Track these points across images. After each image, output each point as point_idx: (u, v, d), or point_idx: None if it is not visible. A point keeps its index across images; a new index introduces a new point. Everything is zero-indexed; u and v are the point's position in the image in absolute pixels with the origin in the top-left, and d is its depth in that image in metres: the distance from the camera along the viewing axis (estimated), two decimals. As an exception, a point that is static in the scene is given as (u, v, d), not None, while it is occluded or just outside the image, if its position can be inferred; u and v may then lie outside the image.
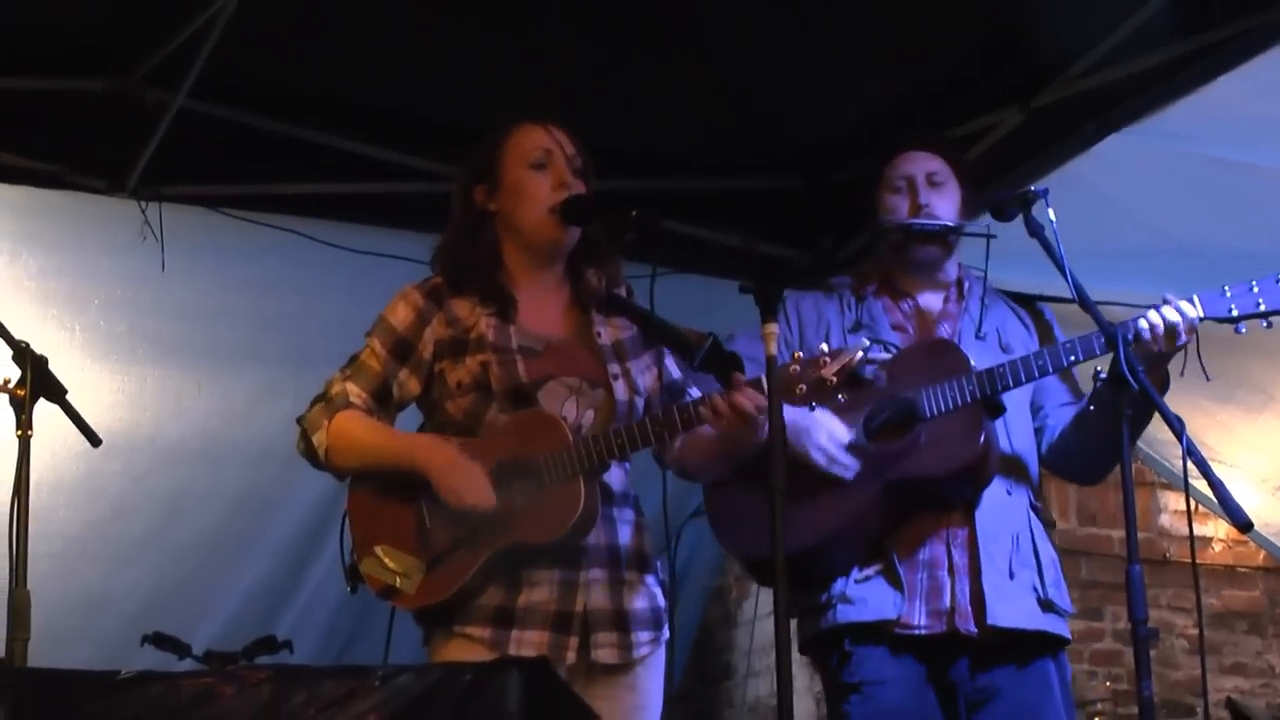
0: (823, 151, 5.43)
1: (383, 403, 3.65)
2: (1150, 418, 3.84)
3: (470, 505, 3.46)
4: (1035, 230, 3.78)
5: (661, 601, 3.69)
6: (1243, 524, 3.59)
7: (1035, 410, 4.09)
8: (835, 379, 3.39)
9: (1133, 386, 3.62)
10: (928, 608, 3.89)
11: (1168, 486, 7.78)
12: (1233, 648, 8.02)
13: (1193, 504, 3.86)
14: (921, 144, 4.18)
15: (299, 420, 3.65)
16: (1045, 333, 4.14)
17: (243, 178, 5.09)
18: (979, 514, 3.91)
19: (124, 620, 5.44)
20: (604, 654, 3.55)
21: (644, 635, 3.62)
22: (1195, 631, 7.76)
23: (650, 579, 3.67)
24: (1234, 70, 4.43)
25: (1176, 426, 3.61)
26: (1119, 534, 7.31)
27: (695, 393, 3.70)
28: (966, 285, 4.15)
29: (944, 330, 4.09)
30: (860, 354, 3.39)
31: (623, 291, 3.77)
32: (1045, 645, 3.97)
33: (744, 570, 4.49)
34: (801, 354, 3.45)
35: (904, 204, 4.09)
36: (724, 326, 4.03)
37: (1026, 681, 3.92)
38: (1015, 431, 4.00)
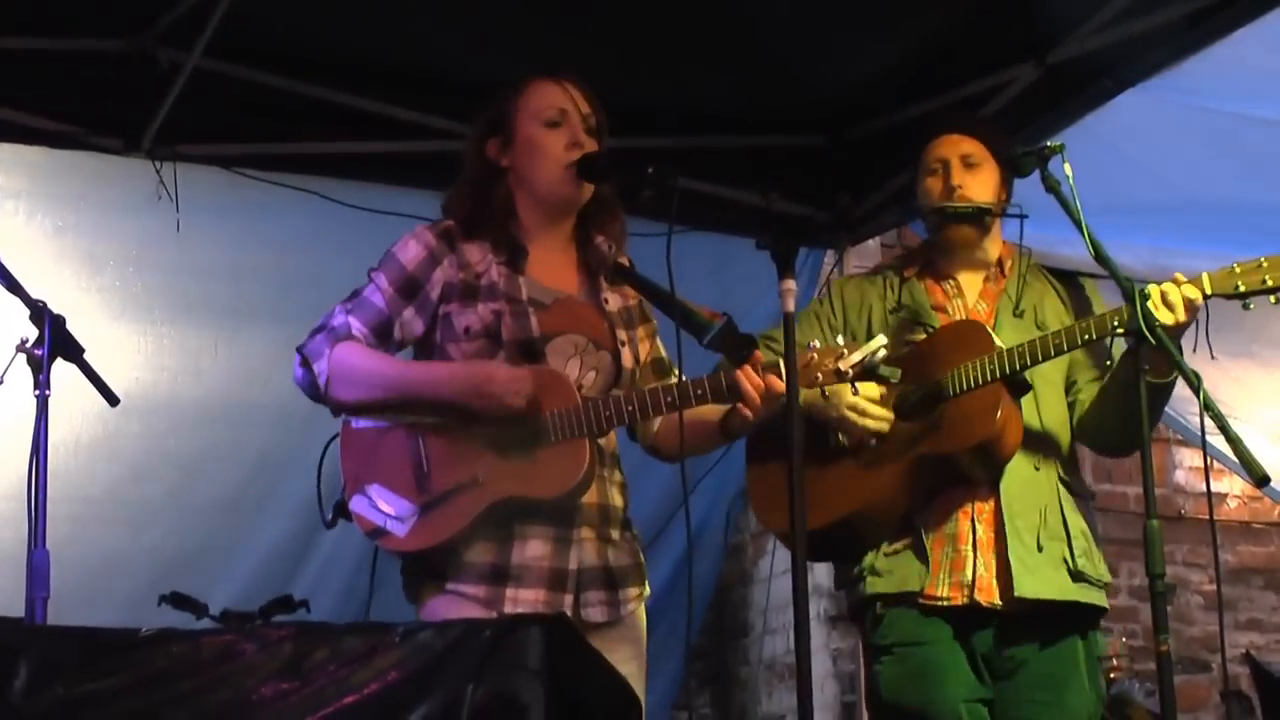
0: (840, 109, 5.42)
1: (383, 340, 3.61)
2: (1172, 387, 3.83)
3: (516, 406, 3.44)
4: (1052, 185, 3.77)
5: (642, 559, 3.72)
6: (1260, 478, 3.58)
7: (1069, 386, 4.11)
8: (851, 371, 3.41)
9: (1150, 342, 3.62)
10: (950, 580, 3.95)
11: (1183, 443, 7.78)
12: (1248, 603, 8.04)
13: (1209, 460, 3.86)
14: (957, 126, 4.21)
15: (299, 349, 3.61)
16: (1082, 308, 4.15)
17: (258, 137, 5.07)
18: (1004, 488, 3.96)
19: (142, 581, 5.45)
20: (594, 612, 3.57)
21: (631, 592, 3.64)
22: (1211, 588, 7.79)
23: (631, 537, 3.69)
24: (1251, 24, 4.41)
25: (1194, 382, 3.60)
26: (1135, 491, 7.33)
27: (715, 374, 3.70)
28: (1008, 263, 4.18)
29: (983, 309, 4.14)
30: (879, 351, 3.41)
31: (625, 262, 3.77)
32: (1075, 620, 4.01)
33: (785, 545, 4.55)
34: (818, 343, 3.48)
35: (939, 186, 4.12)
36: (741, 284, 4.05)
37: (1053, 654, 3.97)
38: (1046, 407, 4.04)
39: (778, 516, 4.01)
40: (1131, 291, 3.66)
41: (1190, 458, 7.88)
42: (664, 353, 3.76)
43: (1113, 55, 4.76)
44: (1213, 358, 3.85)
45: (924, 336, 4.07)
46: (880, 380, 3.51)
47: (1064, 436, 4.08)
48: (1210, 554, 7.61)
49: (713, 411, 3.61)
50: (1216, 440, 3.72)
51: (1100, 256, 3.70)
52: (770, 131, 5.49)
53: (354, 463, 3.59)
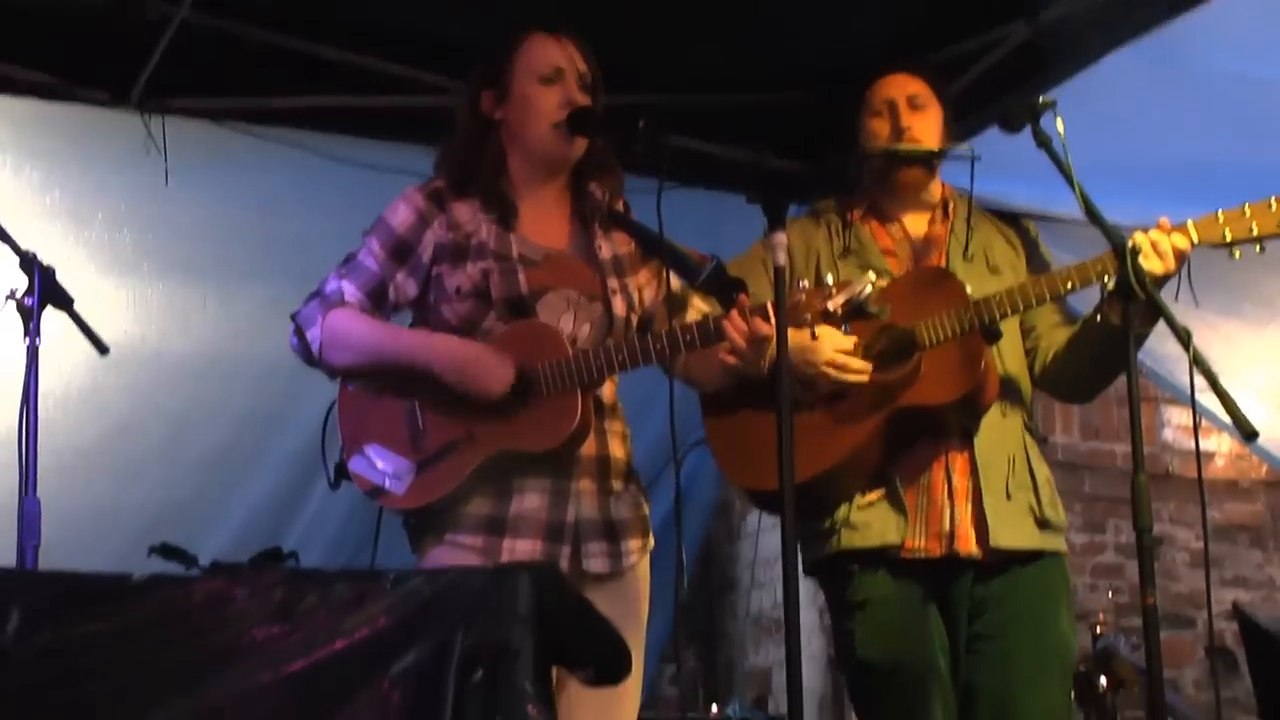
0: (830, 66, 5.40)
1: (378, 303, 3.63)
2: (1147, 336, 3.83)
3: (497, 393, 3.46)
4: (1043, 141, 3.76)
5: (646, 511, 3.73)
6: (1249, 433, 3.59)
7: (1027, 331, 4.10)
8: (840, 310, 3.40)
9: (1139, 299, 3.61)
10: (928, 530, 3.92)
11: (1171, 401, 7.80)
12: (1234, 560, 8.08)
13: (1198, 418, 3.86)
14: (903, 67, 4.17)
15: (293, 316, 3.65)
16: (1032, 250, 4.15)
17: (247, 91, 5.06)
18: (977, 439, 3.95)
19: (131, 534, 5.46)
20: (595, 563, 3.59)
21: (633, 544, 3.66)
22: (1197, 545, 7.83)
23: (635, 489, 3.70)
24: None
25: (1184, 338, 3.60)
26: (1122, 448, 7.36)
27: (699, 303, 3.71)
28: (951, 206, 4.15)
29: (931, 252, 4.09)
30: (867, 288, 3.40)
31: (621, 207, 3.77)
32: (1047, 560, 4.00)
33: (751, 502, 4.49)
34: (807, 283, 3.45)
35: (886, 128, 4.09)
36: (731, 240, 4.04)
37: (1029, 586, 3.95)
38: (1007, 354, 4.02)
39: (745, 473, 4.03)
40: (1123, 248, 3.65)
41: (1178, 415, 7.91)
42: (677, 286, 3.74)
43: (1104, 14, 4.75)
44: (1196, 305, 3.83)
45: (884, 283, 4.02)
46: (870, 318, 3.50)
47: (1025, 383, 4.07)
48: (1196, 512, 7.65)
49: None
50: (1205, 399, 3.72)
51: (1091, 213, 3.69)
52: (760, 89, 5.48)
53: (351, 424, 3.63)
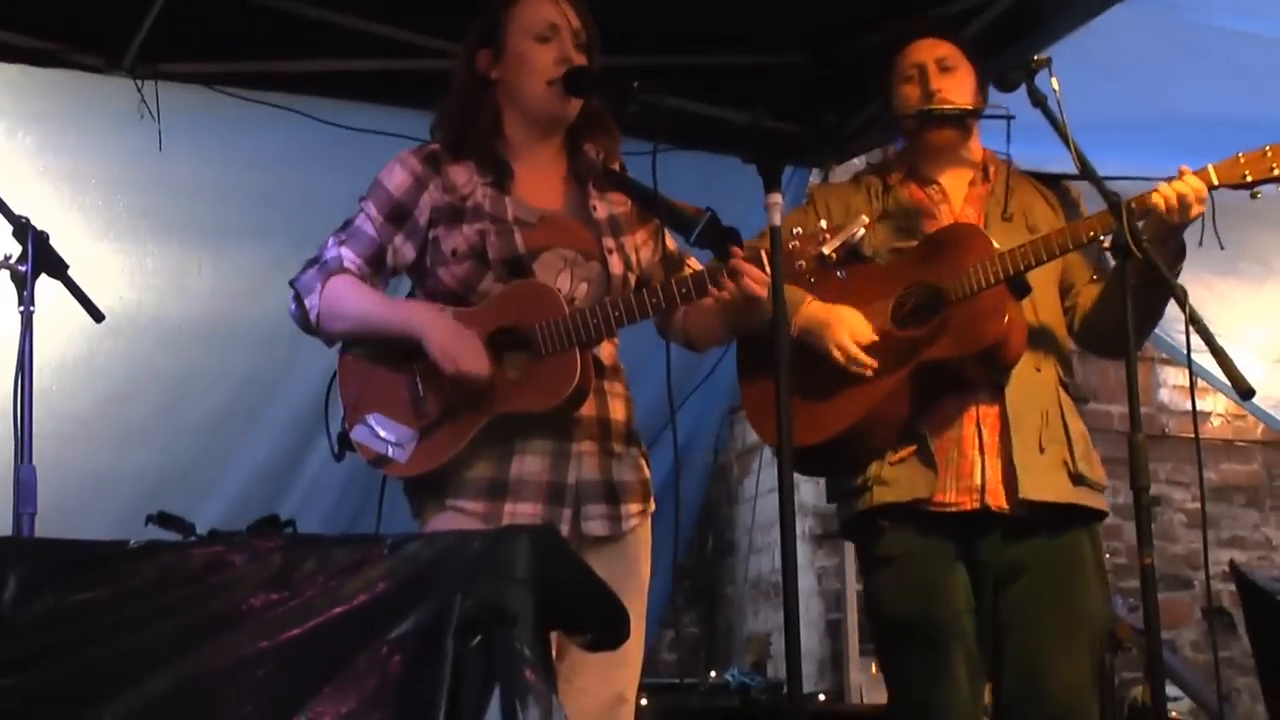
0: (826, 26, 5.39)
1: (377, 268, 3.64)
2: (1164, 294, 3.82)
3: (465, 372, 3.47)
4: (1039, 100, 3.76)
5: (648, 474, 3.72)
6: (1245, 390, 3.59)
7: (1066, 289, 4.10)
8: (835, 255, 3.39)
9: (1136, 256, 3.61)
10: (959, 485, 3.93)
11: (1168, 361, 7.81)
12: (1230, 520, 8.10)
13: (1194, 377, 3.86)
14: (930, 31, 4.18)
15: (291, 283, 3.64)
16: (1071, 212, 4.14)
17: (240, 55, 5.05)
18: (1008, 392, 3.94)
19: (129, 500, 5.44)
20: (595, 525, 3.58)
21: (633, 507, 3.65)
22: (1193, 505, 7.84)
23: (636, 452, 3.69)
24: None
25: (1180, 295, 3.60)
26: (1119, 409, 7.35)
27: (694, 264, 3.70)
28: (991, 168, 4.16)
29: (969, 213, 4.10)
30: (860, 231, 3.39)
31: (616, 166, 3.76)
32: (1078, 518, 4.00)
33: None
34: (800, 230, 3.45)
35: (916, 92, 4.09)
36: (727, 202, 4.01)
37: (1058, 555, 3.96)
38: (1043, 309, 4.02)
39: (774, 430, 4.04)
40: (1118, 205, 3.65)
41: (1175, 376, 7.91)
42: (674, 247, 3.73)
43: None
44: (1221, 248, 3.84)
45: (915, 242, 4.04)
46: (863, 261, 3.50)
47: (1061, 338, 4.08)
48: (1193, 472, 7.66)
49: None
50: (1202, 358, 3.72)
51: (1086, 171, 3.69)
52: (756, 49, 5.46)
53: (352, 392, 3.62)
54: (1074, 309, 4.09)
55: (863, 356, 3.91)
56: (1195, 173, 3.77)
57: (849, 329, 3.93)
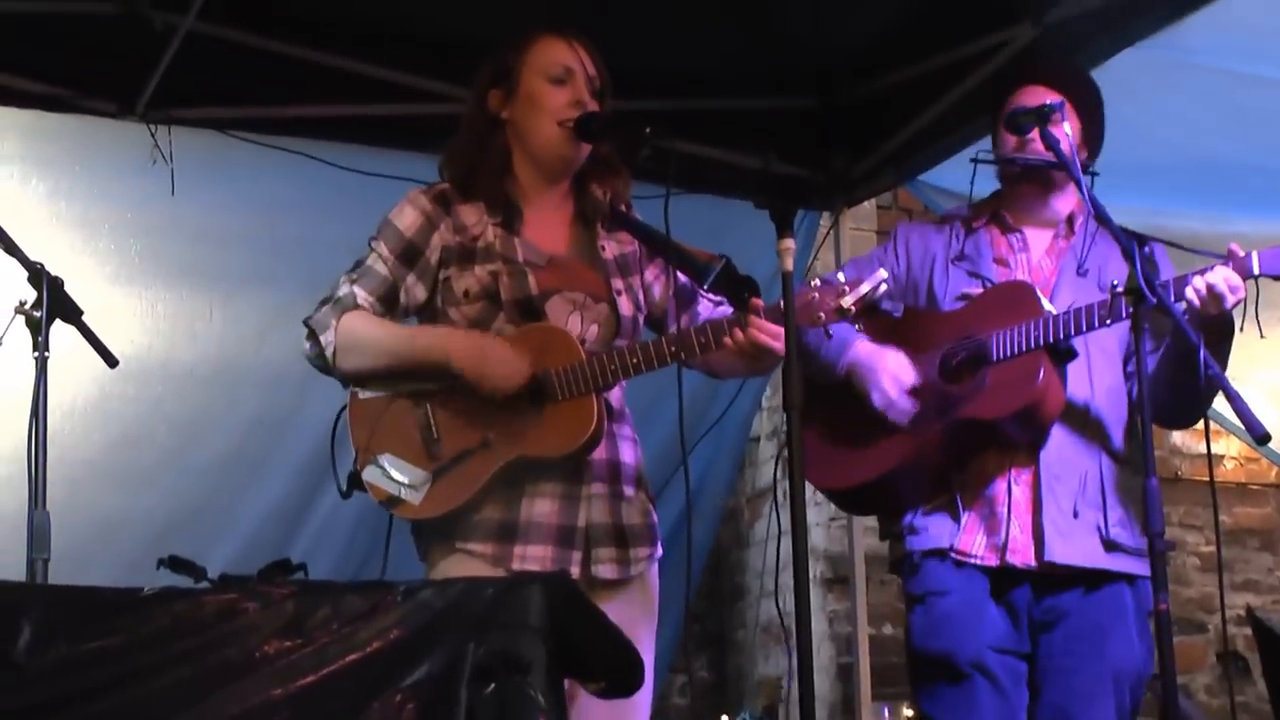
0: (835, 70, 5.40)
1: (390, 307, 3.63)
2: (1229, 350, 3.80)
3: (502, 379, 3.46)
4: (1051, 144, 3.77)
5: (655, 518, 3.72)
6: (1260, 435, 3.58)
7: (1128, 357, 4.05)
8: (853, 308, 3.39)
9: (1149, 300, 3.60)
10: (985, 541, 3.95)
11: (1181, 405, 7.76)
12: (1244, 564, 8.05)
13: (1207, 421, 3.85)
14: (1039, 77, 4.14)
15: (305, 321, 3.63)
16: (1148, 272, 4.10)
17: (253, 100, 5.06)
18: (1044, 453, 3.94)
19: (140, 544, 5.44)
20: (605, 569, 3.57)
21: (642, 551, 3.65)
22: (1208, 549, 7.80)
23: (644, 496, 3.69)
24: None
25: (1194, 340, 3.60)
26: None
27: (706, 301, 3.69)
28: (1079, 221, 4.12)
29: (1046, 265, 4.09)
30: (880, 285, 3.39)
31: (625, 209, 3.77)
32: (1118, 576, 3.97)
33: (831, 501, 4.65)
34: (819, 281, 3.46)
35: (1014, 140, 4.06)
36: (739, 247, 4.02)
37: (1096, 604, 3.94)
38: (1098, 374, 4.00)
39: (819, 471, 4.10)
40: (1130, 250, 3.64)
41: (1188, 419, 7.87)
42: (685, 280, 3.71)
43: (1110, 15, 4.74)
44: (1261, 337, 3.81)
45: (980, 291, 4.03)
46: (884, 315, 3.51)
47: (1118, 405, 4.03)
48: (1207, 515, 7.63)
49: None
50: (1215, 402, 3.71)
51: (1100, 215, 3.69)
52: (766, 94, 5.48)
53: (364, 433, 3.60)
54: (1133, 377, 4.02)
55: (904, 403, 3.94)
56: (1239, 259, 3.72)
57: (891, 376, 3.96)
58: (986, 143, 4.26)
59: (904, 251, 4.19)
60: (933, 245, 4.17)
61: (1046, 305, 3.90)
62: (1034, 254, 4.11)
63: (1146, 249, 4.09)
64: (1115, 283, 3.73)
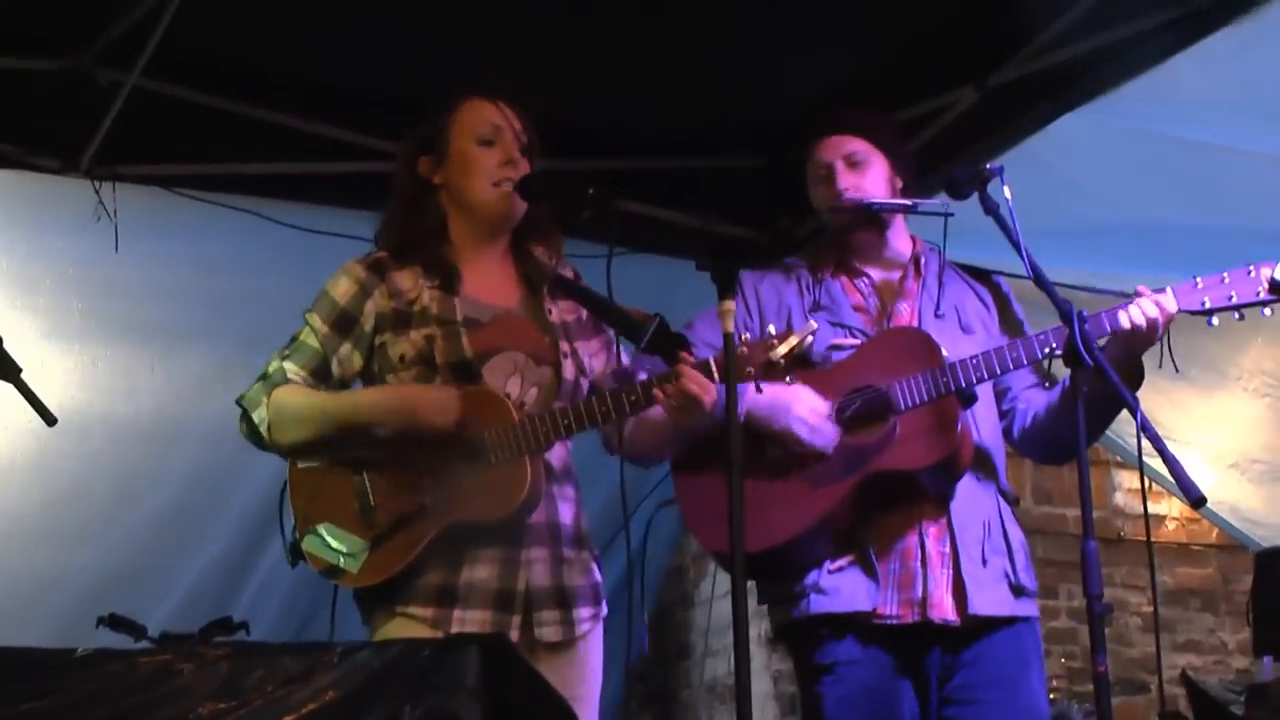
0: (780, 130, 5.42)
1: (322, 380, 3.64)
2: (1118, 404, 3.81)
3: (448, 423, 3.47)
4: (991, 208, 3.76)
5: (599, 578, 3.72)
6: (1196, 499, 3.57)
7: (1001, 394, 4.06)
8: (783, 360, 3.40)
9: (1087, 364, 3.60)
10: (900, 597, 3.85)
11: (1122, 465, 7.82)
12: (1186, 625, 8.09)
13: (1147, 482, 3.86)
14: (836, 127, 4.10)
15: (238, 401, 3.65)
16: (1004, 308, 4.11)
17: (197, 157, 5.06)
18: (953, 504, 3.88)
19: (78, 601, 5.42)
20: (548, 632, 3.57)
21: (585, 612, 3.65)
22: (1149, 609, 7.83)
23: (587, 555, 3.69)
24: (1188, 49, 4.45)
25: (1131, 403, 3.61)
26: (1074, 513, 7.36)
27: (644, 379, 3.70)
28: (923, 260, 4.11)
29: (903, 309, 4.04)
30: (809, 337, 3.41)
31: (569, 273, 3.78)
32: (1020, 625, 3.94)
33: (721, 566, 4.42)
34: (749, 335, 3.45)
35: (827, 191, 4.05)
36: (682, 306, 4.03)
37: (1005, 650, 3.89)
38: (982, 417, 3.97)
39: (715, 536, 3.87)
40: (1069, 314, 3.65)
41: (1129, 480, 7.92)
42: (626, 361, 3.73)
43: (1052, 79, 4.79)
44: (1176, 371, 3.83)
45: (856, 341, 3.97)
46: (813, 367, 3.49)
47: (999, 447, 4.03)
48: (1149, 576, 7.67)
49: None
50: (1154, 462, 3.73)
51: (1039, 279, 3.69)
52: (710, 153, 5.50)
53: (302, 501, 3.63)
54: (1011, 414, 4.05)
55: (827, 427, 3.81)
56: (1155, 293, 3.75)
57: (807, 405, 3.82)
58: (933, 203, 4.23)
59: (755, 302, 4.08)
60: (786, 296, 4.07)
61: (944, 352, 3.83)
62: (887, 299, 4.06)
63: (996, 279, 4.14)
64: (1053, 346, 3.74)
